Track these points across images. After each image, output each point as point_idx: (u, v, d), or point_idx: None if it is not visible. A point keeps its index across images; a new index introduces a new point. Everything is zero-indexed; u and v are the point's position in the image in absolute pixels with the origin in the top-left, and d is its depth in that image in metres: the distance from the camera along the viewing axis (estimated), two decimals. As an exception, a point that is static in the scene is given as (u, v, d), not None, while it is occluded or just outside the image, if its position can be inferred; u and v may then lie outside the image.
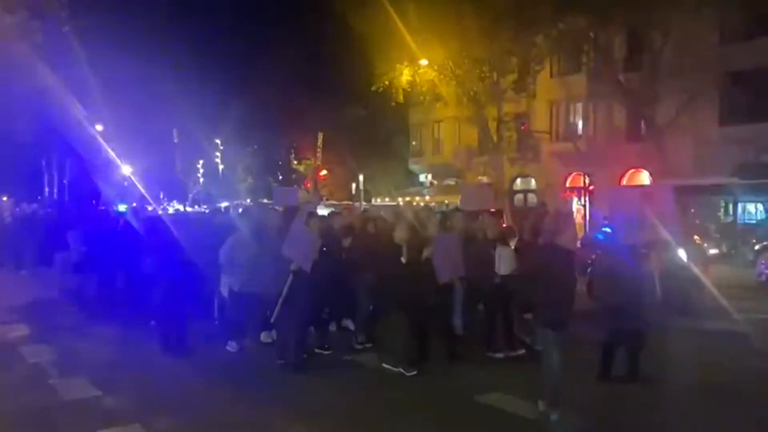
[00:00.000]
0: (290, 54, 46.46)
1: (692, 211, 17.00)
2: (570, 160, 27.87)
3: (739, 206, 16.87)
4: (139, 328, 9.24)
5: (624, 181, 25.74)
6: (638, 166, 25.76)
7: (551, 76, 29.13)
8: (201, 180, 63.06)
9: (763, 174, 21.20)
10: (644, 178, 25.34)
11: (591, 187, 25.56)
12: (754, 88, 22.68)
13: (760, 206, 17.11)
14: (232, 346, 8.12)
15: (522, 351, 7.75)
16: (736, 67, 22.78)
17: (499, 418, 5.88)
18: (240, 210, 12.89)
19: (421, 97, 29.34)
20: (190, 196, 62.16)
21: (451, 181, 33.56)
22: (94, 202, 33.01)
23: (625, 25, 22.99)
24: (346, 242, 8.64)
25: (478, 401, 6.24)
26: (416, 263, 7.21)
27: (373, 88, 27.04)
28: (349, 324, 9.07)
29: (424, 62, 25.28)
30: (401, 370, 7.09)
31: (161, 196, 54.73)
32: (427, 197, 31.28)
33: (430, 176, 36.79)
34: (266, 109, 45.50)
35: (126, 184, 40.34)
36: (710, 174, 19.82)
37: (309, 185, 43.96)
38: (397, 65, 26.31)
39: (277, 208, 10.33)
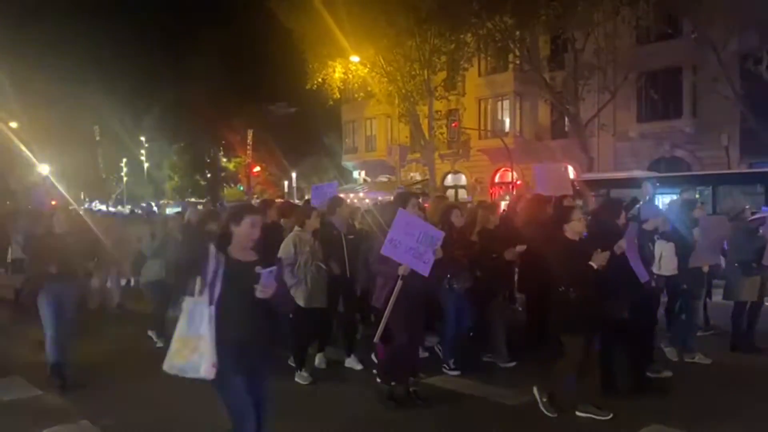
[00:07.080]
0: (218, 50, 45.68)
1: (614, 203, 18.04)
2: (498, 156, 28.71)
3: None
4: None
5: (550, 176, 26.73)
6: (563, 162, 26.83)
7: (479, 74, 29.91)
8: (125, 179, 60.76)
9: (677, 167, 22.71)
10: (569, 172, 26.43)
11: (519, 182, 26.40)
12: (667, 87, 24.17)
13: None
14: (302, 377, 6.49)
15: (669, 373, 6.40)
16: (651, 67, 24.17)
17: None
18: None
19: (354, 95, 29.47)
20: (114, 195, 59.82)
21: (384, 178, 33.86)
22: (8, 203, 31.32)
23: (549, 25, 23.86)
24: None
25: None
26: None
27: (308, 86, 26.99)
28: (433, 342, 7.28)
29: (354, 59, 25.40)
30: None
31: (82, 196, 52.36)
32: (361, 194, 31.43)
33: (363, 173, 36.97)
34: (193, 106, 44.52)
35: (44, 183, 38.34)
36: (630, 168, 21.03)
37: (243, 182, 43.32)
38: (329, 62, 26.34)
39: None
